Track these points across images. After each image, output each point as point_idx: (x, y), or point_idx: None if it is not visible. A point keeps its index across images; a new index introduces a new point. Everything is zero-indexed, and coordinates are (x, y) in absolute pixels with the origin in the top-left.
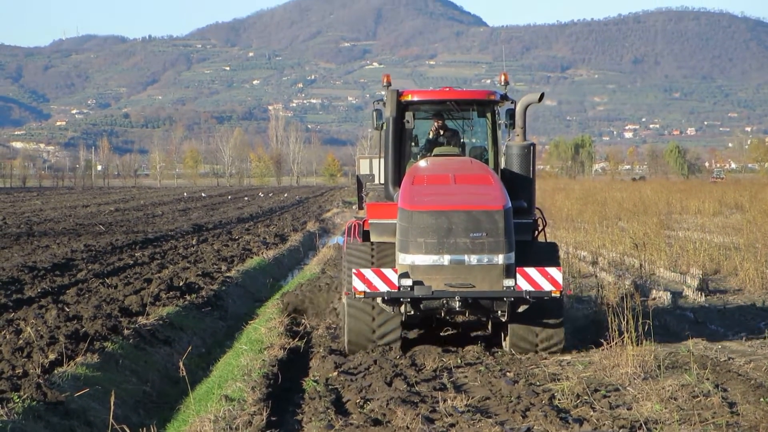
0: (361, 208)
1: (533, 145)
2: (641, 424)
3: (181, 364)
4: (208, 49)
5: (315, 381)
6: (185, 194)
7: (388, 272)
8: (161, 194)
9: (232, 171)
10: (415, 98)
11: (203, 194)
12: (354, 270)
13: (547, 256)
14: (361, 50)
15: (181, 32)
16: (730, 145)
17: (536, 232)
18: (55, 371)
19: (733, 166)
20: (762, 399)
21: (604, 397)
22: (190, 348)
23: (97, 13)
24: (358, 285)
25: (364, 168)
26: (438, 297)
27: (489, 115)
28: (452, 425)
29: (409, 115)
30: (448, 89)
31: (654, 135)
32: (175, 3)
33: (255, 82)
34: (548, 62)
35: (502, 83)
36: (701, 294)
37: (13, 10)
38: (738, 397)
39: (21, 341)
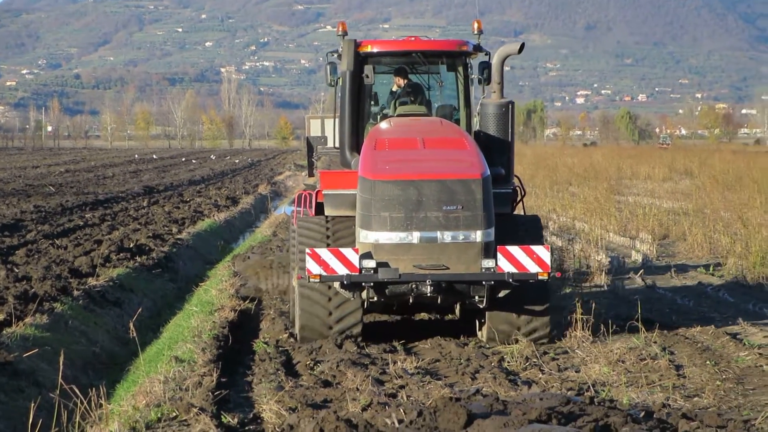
0: (311, 175)
1: (512, 103)
2: (589, 386)
3: (131, 325)
4: (161, 11)
5: (265, 343)
6: (136, 156)
7: (347, 252)
8: (112, 156)
9: (183, 133)
10: (376, 49)
11: (154, 156)
12: (308, 249)
13: (530, 231)
14: (315, 13)
15: None
16: (680, 111)
17: (514, 204)
18: (4, 332)
19: (684, 132)
20: (708, 362)
21: (553, 359)
22: (140, 309)
23: None
24: (313, 267)
25: (314, 129)
26: (406, 281)
27: (460, 68)
28: (402, 387)
29: (368, 69)
30: (413, 39)
31: (605, 101)
32: None
33: (207, 44)
34: (501, 27)
35: (476, 32)
36: (651, 258)
37: None
38: (685, 360)
39: None
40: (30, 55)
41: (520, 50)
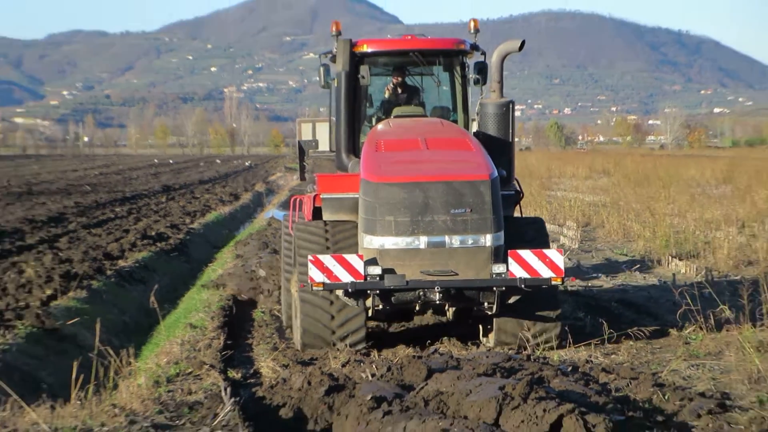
0: (302, 178)
1: (512, 102)
2: (526, 346)
3: (152, 298)
4: (175, 42)
5: (262, 312)
6: (156, 161)
7: (351, 259)
8: (136, 161)
9: (194, 142)
10: (371, 49)
11: (171, 161)
12: (310, 257)
13: (535, 234)
14: (300, 43)
15: (152, 28)
16: (599, 122)
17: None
18: (51, 304)
19: (601, 139)
20: (623, 325)
21: None
22: (156, 286)
23: (84, 10)
24: (316, 275)
25: (306, 133)
26: (414, 288)
27: (458, 68)
28: (375, 347)
29: (364, 69)
30: (409, 38)
31: (537, 114)
32: (147, 3)
33: (213, 69)
34: None
35: (472, 31)
36: (575, 242)
37: (13, 7)
38: (604, 324)
39: (23, 280)
40: (69, 79)
41: (521, 47)
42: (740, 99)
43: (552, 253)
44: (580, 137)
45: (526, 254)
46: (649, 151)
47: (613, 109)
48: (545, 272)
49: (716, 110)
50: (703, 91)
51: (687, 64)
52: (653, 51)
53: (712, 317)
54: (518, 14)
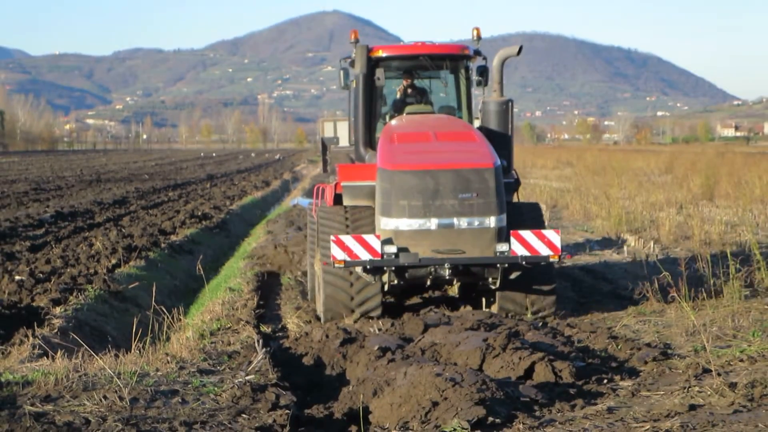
0: (325, 170)
1: (511, 101)
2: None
3: (199, 266)
4: (217, 57)
5: (289, 278)
6: (202, 154)
7: (369, 239)
8: (186, 154)
9: (233, 139)
10: (386, 54)
11: (214, 154)
12: (332, 237)
13: (532, 217)
14: (320, 58)
15: (199, 46)
16: (564, 123)
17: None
18: (116, 271)
19: (566, 137)
20: (582, 290)
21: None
22: (202, 256)
23: (144, 31)
24: (338, 253)
25: (327, 131)
26: (426, 264)
27: (462, 71)
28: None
29: (379, 72)
30: (420, 44)
31: (515, 116)
32: (195, 23)
33: (249, 79)
34: None
35: (475, 38)
36: (545, 221)
37: (86, 29)
38: (569, 290)
39: (93, 251)
40: (132, 87)
41: (519, 52)
42: (678, 104)
43: (550, 233)
44: (548, 135)
45: (527, 234)
46: (605, 146)
47: (576, 112)
48: (544, 250)
49: (659, 113)
50: (648, 98)
51: (635, 75)
52: (608, 65)
53: (656, 282)
54: (498, 35)
